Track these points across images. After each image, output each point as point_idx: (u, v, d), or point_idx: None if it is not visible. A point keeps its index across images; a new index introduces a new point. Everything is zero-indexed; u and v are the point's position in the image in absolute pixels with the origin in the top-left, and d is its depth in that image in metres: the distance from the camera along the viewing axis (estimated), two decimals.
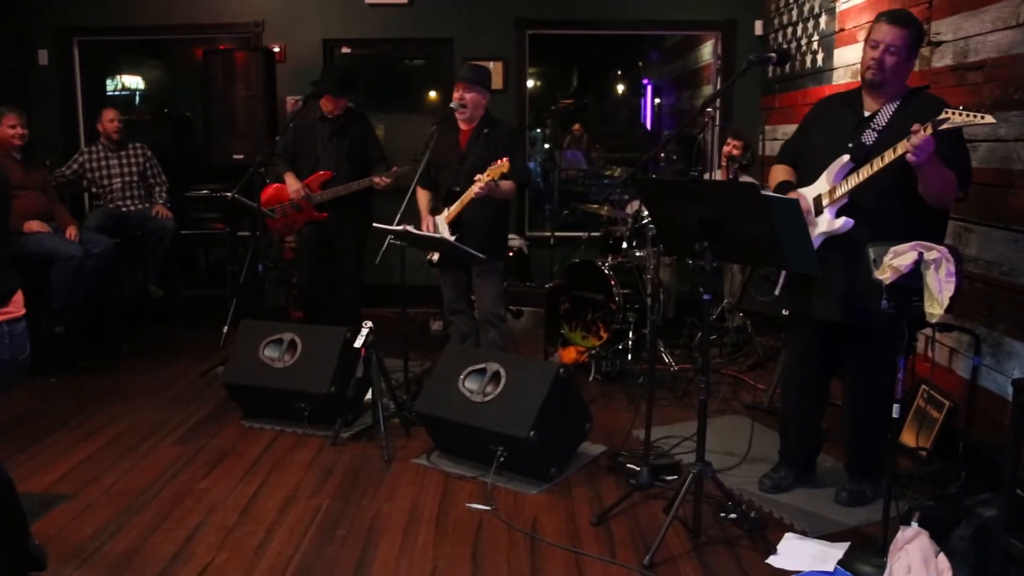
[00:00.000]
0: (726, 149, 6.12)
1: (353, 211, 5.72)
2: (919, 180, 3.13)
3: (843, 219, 3.35)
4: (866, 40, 3.39)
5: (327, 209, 5.68)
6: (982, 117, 2.90)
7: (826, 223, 3.39)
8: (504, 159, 4.39)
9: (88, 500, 3.70)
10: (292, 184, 5.63)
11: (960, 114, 2.93)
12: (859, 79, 3.48)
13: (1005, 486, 2.89)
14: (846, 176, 3.34)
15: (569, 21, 7.43)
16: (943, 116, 2.95)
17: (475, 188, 4.43)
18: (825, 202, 3.40)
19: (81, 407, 4.91)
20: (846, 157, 3.35)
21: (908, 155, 3.03)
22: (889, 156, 3.12)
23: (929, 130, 2.98)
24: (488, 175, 4.38)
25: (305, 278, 5.98)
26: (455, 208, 4.61)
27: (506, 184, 4.55)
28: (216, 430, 4.58)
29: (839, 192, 3.35)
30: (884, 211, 3.29)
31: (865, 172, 3.25)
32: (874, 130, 3.36)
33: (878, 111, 3.38)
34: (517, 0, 7.24)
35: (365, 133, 5.83)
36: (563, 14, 7.31)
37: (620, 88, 12.93)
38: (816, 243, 3.37)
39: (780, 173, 3.70)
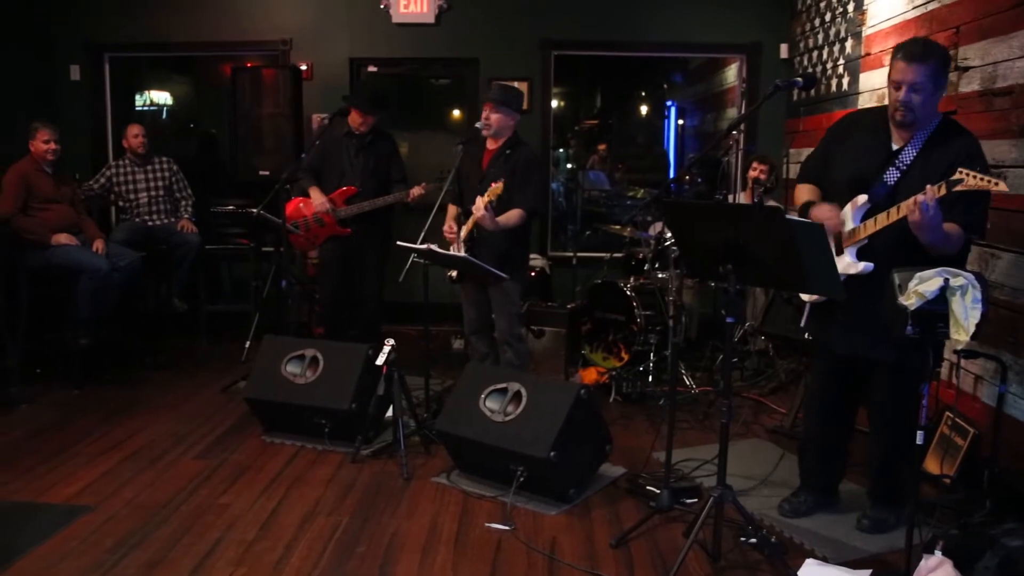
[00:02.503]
0: (752, 173, 6.12)
1: (376, 227, 5.75)
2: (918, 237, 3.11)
3: (864, 264, 3.34)
4: (888, 77, 3.34)
5: (350, 225, 5.71)
6: (996, 184, 2.89)
7: (846, 265, 3.37)
8: (500, 181, 4.40)
9: (109, 512, 3.72)
10: (317, 198, 5.66)
11: (975, 177, 2.91)
12: (883, 103, 3.46)
13: None
14: (864, 218, 3.33)
15: (594, 42, 7.47)
16: (957, 177, 2.94)
17: (474, 210, 4.47)
18: (845, 244, 3.39)
19: (104, 419, 4.94)
20: (864, 197, 3.33)
21: (909, 215, 3.03)
22: (904, 210, 3.11)
23: (943, 190, 2.97)
24: (487, 197, 4.40)
25: (327, 294, 6.01)
26: (466, 227, 4.64)
27: (511, 215, 4.56)
28: (237, 445, 4.59)
29: (859, 235, 3.34)
30: (902, 254, 3.23)
31: (882, 220, 3.24)
32: (898, 168, 3.32)
33: (904, 147, 3.33)
34: (543, 21, 7.29)
35: (391, 152, 5.86)
36: (588, 35, 7.35)
37: (644, 109, 12.95)
38: None
39: (805, 193, 3.66)
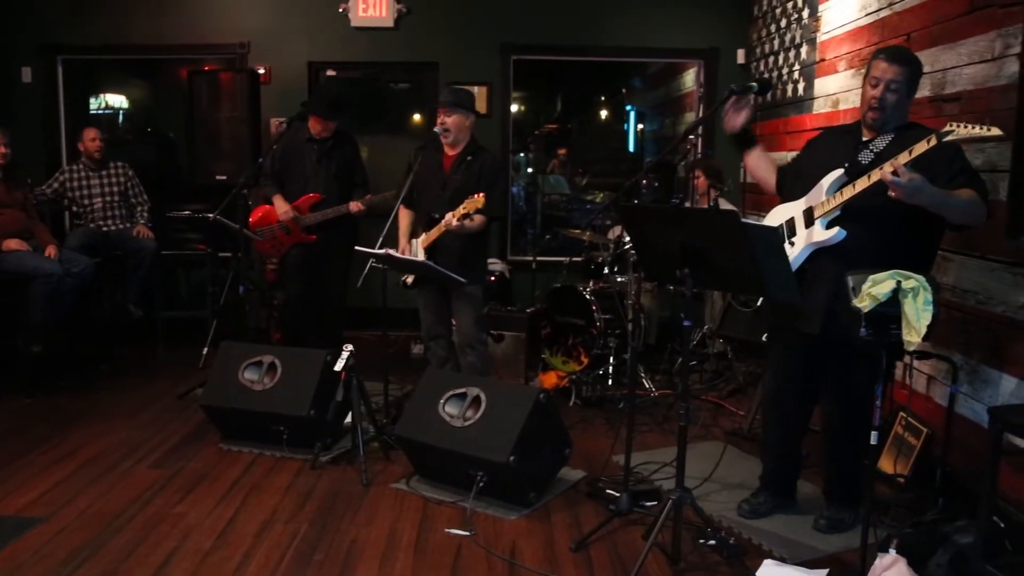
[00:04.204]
0: (696, 181, 6.13)
1: (340, 234, 5.69)
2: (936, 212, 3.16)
3: (836, 229, 3.35)
4: (865, 79, 3.42)
5: (315, 231, 5.67)
6: (988, 129, 2.93)
7: (817, 234, 3.41)
8: (480, 195, 4.39)
9: (62, 523, 3.65)
10: (281, 206, 5.61)
11: (965, 127, 2.96)
12: (837, 108, 3.52)
13: (982, 513, 2.91)
14: (840, 189, 3.37)
15: (553, 47, 7.49)
16: (948, 128, 2.99)
17: (445, 221, 4.46)
18: (817, 213, 3.42)
19: (57, 428, 4.85)
20: (840, 171, 3.38)
21: (889, 179, 3.06)
22: (877, 174, 3.14)
23: (933, 141, 3.02)
24: (463, 208, 4.39)
25: (291, 300, 5.96)
26: (431, 235, 4.63)
27: (477, 219, 4.56)
28: (193, 453, 4.54)
29: (831, 204, 3.37)
30: (874, 227, 3.31)
31: (861, 184, 3.26)
32: (872, 151, 3.40)
33: (876, 138, 3.43)
34: (502, 26, 7.30)
35: (353, 156, 5.82)
36: (547, 40, 7.37)
37: (604, 114, 13.01)
38: (805, 254, 3.40)
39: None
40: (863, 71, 3.55)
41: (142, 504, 3.87)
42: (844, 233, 3.35)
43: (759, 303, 3.92)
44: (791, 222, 3.53)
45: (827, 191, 3.40)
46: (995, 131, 2.93)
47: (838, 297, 3.31)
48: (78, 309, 5.97)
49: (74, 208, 6.55)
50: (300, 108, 5.68)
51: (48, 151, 7.41)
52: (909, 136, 3.29)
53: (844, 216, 3.38)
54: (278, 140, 5.66)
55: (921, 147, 3.06)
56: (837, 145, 3.56)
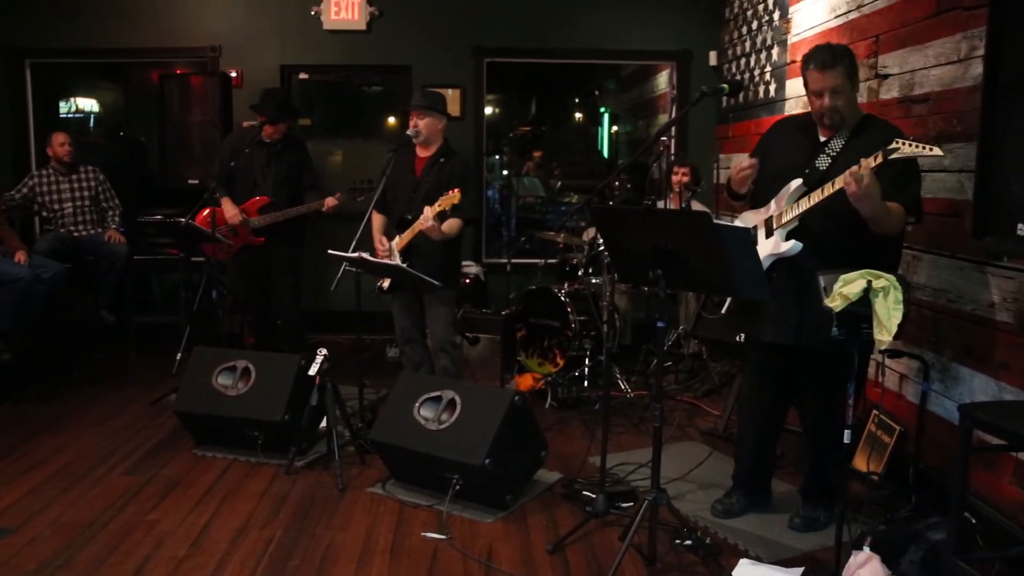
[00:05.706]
0: (675, 178, 6.18)
1: (287, 234, 5.71)
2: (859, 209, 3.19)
3: (792, 242, 3.40)
4: (806, 88, 3.44)
5: (262, 234, 5.65)
6: (931, 149, 2.98)
7: (775, 244, 3.45)
8: (456, 190, 4.38)
9: (32, 533, 3.60)
10: (229, 209, 5.59)
11: (910, 145, 3.00)
12: (809, 109, 3.54)
13: (953, 509, 2.94)
14: (798, 200, 3.40)
15: (527, 50, 7.50)
16: (894, 146, 3.02)
17: (421, 220, 4.44)
18: (775, 224, 3.46)
19: (27, 436, 4.79)
20: (799, 181, 3.42)
21: (846, 187, 3.09)
22: (839, 183, 3.18)
23: (880, 158, 3.05)
24: (439, 206, 4.38)
25: (250, 304, 5.95)
26: (405, 237, 4.61)
27: (452, 223, 4.55)
28: (167, 459, 4.49)
29: (789, 215, 3.41)
30: (834, 236, 3.35)
31: (815, 197, 3.31)
32: (828, 155, 3.44)
33: (832, 138, 3.46)
34: (475, 28, 7.30)
35: (301, 159, 5.83)
36: (521, 42, 7.38)
37: (578, 116, 13.05)
38: (764, 264, 3.43)
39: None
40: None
41: (115, 512, 3.83)
42: (800, 246, 3.39)
43: (726, 304, 3.97)
44: (754, 230, 3.55)
45: (787, 201, 3.44)
46: (936, 151, 2.98)
47: (803, 305, 3.34)
48: (49, 315, 5.90)
49: (44, 213, 6.48)
50: (251, 110, 5.64)
51: (16, 156, 7.32)
52: (863, 138, 3.34)
53: (801, 226, 3.41)
54: (250, 144, 5.63)
55: (868, 163, 3.08)
56: (795, 145, 3.58)
